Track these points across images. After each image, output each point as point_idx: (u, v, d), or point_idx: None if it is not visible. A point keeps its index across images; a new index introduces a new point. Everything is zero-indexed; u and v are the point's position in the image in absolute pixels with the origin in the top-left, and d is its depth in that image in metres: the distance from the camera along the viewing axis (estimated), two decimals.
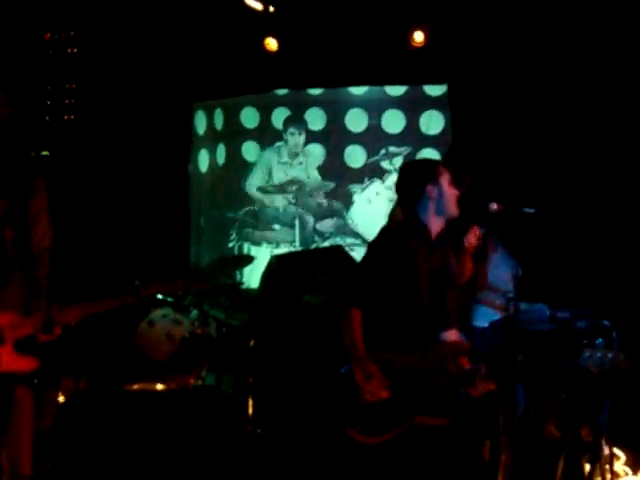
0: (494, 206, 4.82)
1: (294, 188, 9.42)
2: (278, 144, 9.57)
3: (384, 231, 4.63)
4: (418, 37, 8.19)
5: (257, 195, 9.57)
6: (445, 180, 4.57)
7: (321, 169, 9.47)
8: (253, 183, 9.61)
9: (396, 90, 9.28)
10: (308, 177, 9.45)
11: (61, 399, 6.14)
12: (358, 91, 9.37)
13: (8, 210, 4.20)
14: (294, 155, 9.49)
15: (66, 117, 8.57)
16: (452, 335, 4.50)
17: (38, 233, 4.34)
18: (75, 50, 8.57)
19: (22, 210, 4.22)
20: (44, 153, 8.18)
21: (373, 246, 4.59)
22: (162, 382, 6.37)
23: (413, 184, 4.59)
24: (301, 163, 9.49)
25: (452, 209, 4.57)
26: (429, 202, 4.54)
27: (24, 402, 4.33)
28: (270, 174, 9.58)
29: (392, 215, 5.56)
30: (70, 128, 8.57)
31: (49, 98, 8.50)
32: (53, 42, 8.49)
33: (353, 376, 4.33)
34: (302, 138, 9.47)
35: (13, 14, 7.84)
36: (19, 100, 4.38)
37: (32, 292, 4.12)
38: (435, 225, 4.56)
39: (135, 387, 6.23)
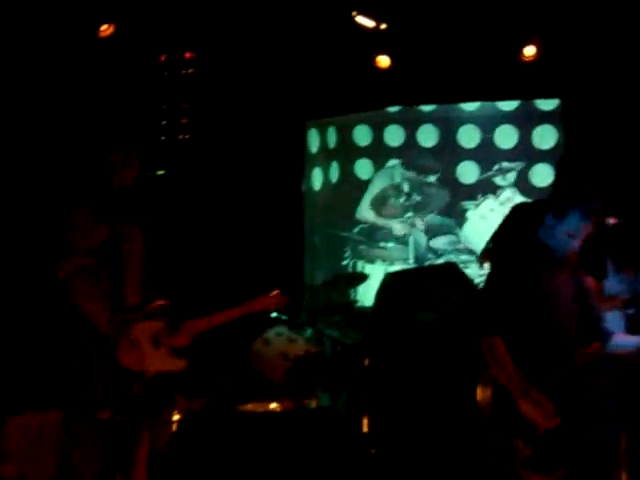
0: (611, 220, 4.70)
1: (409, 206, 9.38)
2: (391, 163, 9.55)
3: None
4: (529, 51, 8.05)
5: (371, 215, 9.56)
6: None
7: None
8: (367, 204, 9.60)
9: (508, 105, 9.24)
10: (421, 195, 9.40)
11: (175, 417, 6.18)
12: (470, 107, 9.32)
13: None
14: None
15: (181, 136, 8.70)
16: None
17: None
18: (189, 71, 8.71)
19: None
20: (160, 172, 8.31)
21: None
22: (276, 401, 6.37)
23: None
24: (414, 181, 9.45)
25: None
26: None
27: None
28: (384, 196, 9.56)
29: None
30: (185, 147, 8.71)
31: (165, 118, 8.65)
32: (169, 63, 8.65)
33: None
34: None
35: (132, 38, 8.01)
36: (137, 121, 4.49)
37: None
38: None
39: (249, 407, 6.23)
